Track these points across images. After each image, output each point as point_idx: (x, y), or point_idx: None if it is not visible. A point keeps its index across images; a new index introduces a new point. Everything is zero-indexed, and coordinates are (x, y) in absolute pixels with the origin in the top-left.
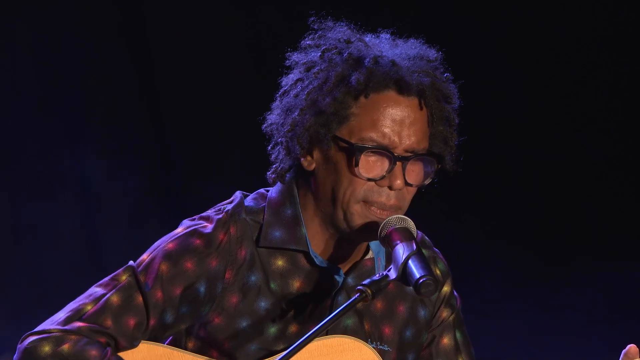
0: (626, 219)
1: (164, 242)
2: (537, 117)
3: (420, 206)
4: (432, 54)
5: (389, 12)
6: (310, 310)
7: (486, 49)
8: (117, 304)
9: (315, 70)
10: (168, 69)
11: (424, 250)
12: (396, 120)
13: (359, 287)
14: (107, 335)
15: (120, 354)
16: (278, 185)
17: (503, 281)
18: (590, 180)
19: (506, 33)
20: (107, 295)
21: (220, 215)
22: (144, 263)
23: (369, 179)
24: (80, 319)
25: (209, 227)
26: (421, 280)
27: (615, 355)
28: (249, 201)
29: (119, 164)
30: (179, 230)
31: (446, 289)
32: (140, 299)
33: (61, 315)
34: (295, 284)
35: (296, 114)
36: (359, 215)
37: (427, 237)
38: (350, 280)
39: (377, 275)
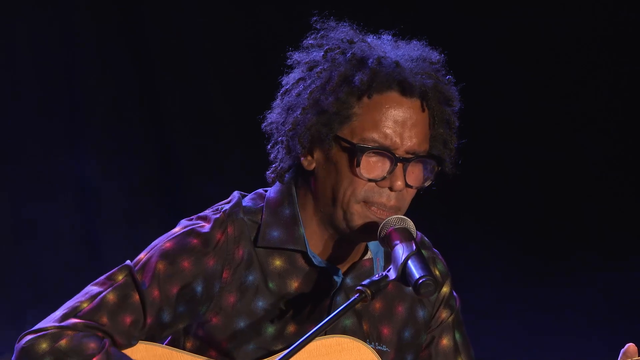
0: (626, 219)
1: (161, 242)
2: (537, 117)
3: (420, 206)
4: (435, 56)
5: (389, 12)
6: (308, 310)
7: (486, 49)
8: (113, 302)
9: (318, 69)
10: (168, 69)
11: (423, 251)
12: (398, 122)
13: (358, 288)
14: (103, 332)
15: None
16: (277, 185)
17: (503, 281)
18: (590, 180)
19: (506, 33)
20: (104, 294)
21: (218, 215)
22: (140, 262)
23: (370, 180)
24: (76, 316)
25: (206, 226)
26: (421, 281)
27: (615, 355)
28: (247, 201)
29: (119, 163)
30: (177, 229)
31: (445, 289)
32: (136, 297)
33: (57, 313)
34: (294, 284)
35: (298, 113)
36: (358, 215)
37: (426, 238)
38: (348, 280)
39: (377, 275)
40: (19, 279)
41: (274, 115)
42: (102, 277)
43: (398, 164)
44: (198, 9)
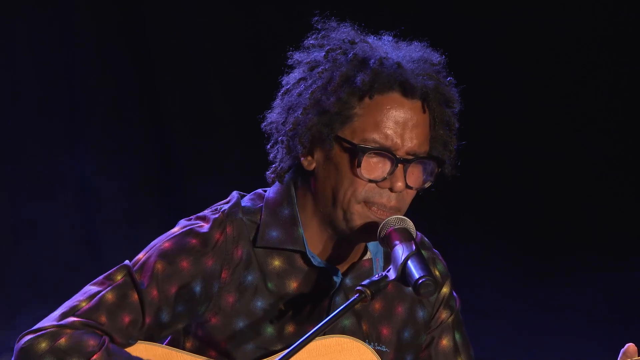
0: (626, 219)
1: (160, 242)
2: (537, 117)
3: (420, 207)
4: (436, 57)
5: (389, 12)
6: (307, 310)
7: (486, 49)
8: (112, 301)
9: (319, 69)
10: (168, 69)
11: (423, 251)
12: (399, 123)
13: (358, 288)
14: (102, 331)
15: None
16: (276, 185)
17: (503, 281)
18: (590, 180)
19: (506, 33)
20: (102, 293)
21: (217, 215)
22: (139, 262)
23: (370, 180)
24: (74, 315)
25: (205, 226)
26: (420, 281)
27: (615, 355)
28: (246, 201)
29: (119, 163)
30: (175, 229)
31: (445, 290)
32: (135, 296)
33: (56, 313)
34: (292, 284)
35: (299, 112)
36: (359, 216)
37: (426, 238)
38: (348, 280)
39: (376, 275)
40: (19, 279)
41: (274, 115)
42: (100, 277)
43: (399, 165)
44: (198, 9)
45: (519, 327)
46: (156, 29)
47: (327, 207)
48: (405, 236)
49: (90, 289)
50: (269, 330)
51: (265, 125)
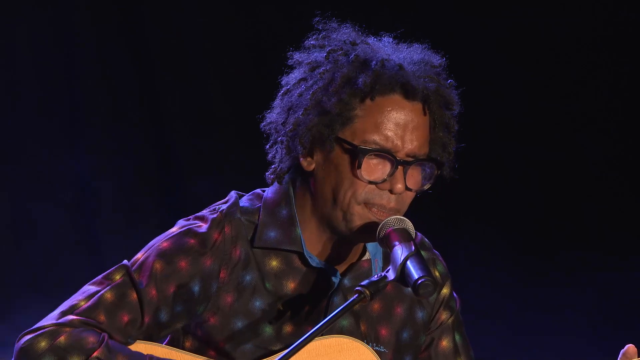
0: (626, 219)
1: (159, 241)
2: (537, 117)
3: (420, 207)
4: (436, 59)
5: (389, 12)
6: (306, 311)
7: (486, 49)
8: (111, 300)
9: (320, 70)
10: (168, 69)
11: (423, 252)
12: (400, 124)
13: (357, 288)
14: (101, 329)
15: None
16: (275, 186)
17: (503, 281)
18: (590, 180)
19: (506, 33)
20: (101, 292)
21: (215, 215)
22: (138, 262)
23: (370, 182)
24: (73, 314)
25: (203, 226)
26: (420, 281)
27: (615, 356)
28: (244, 201)
29: (119, 163)
30: (174, 229)
31: (445, 291)
32: (134, 296)
33: (55, 312)
34: (290, 285)
35: (299, 113)
36: (358, 217)
37: (426, 239)
38: (346, 281)
39: (376, 276)
40: (19, 279)
41: (273, 115)
42: (99, 277)
43: (399, 166)
44: (198, 9)
45: (519, 327)
46: (156, 29)
47: (326, 208)
48: (405, 236)
49: (89, 288)
50: (268, 330)
51: (264, 125)
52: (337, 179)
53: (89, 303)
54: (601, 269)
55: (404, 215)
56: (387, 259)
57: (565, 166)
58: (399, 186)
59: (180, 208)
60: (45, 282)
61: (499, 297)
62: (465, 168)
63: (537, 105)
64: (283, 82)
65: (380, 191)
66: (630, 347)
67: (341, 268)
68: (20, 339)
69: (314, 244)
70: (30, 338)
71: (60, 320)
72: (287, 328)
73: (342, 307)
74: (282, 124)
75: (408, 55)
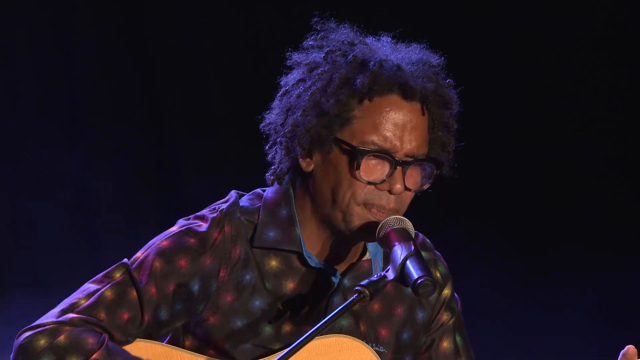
0: (626, 219)
1: (159, 240)
2: (537, 117)
3: (420, 207)
4: (435, 59)
5: (389, 12)
6: (305, 310)
7: (486, 49)
8: (111, 298)
9: (318, 71)
10: (168, 69)
11: (424, 253)
12: (398, 125)
13: (356, 288)
14: (101, 327)
15: None
16: (275, 186)
17: (503, 281)
18: (590, 180)
19: (506, 33)
20: (101, 290)
21: (215, 214)
22: (138, 260)
23: (369, 183)
24: (73, 312)
25: (203, 226)
26: (419, 281)
27: (615, 356)
28: (244, 201)
29: (119, 164)
30: (174, 228)
31: (447, 292)
32: (134, 294)
33: (55, 310)
34: (289, 285)
35: (298, 114)
36: (358, 217)
37: (428, 240)
38: (346, 281)
39: (375, 275)
40: (19, 279)
41: (272, 116)
42: (99, 275)
43: (397, 167)
44: (198, 9)
45: (519, 327)
46: (156, 29)
47: (325, 208)
48: (404, 236)
49: (90, 286)
50: (267, 329)
51: (264, 126)
52: (336, 180)
53: (90, 301)
54: (601, 269)
55: (404, 214)
56: (388, 259)
57: (565, 166)
58: (398, 186)
59: (180, 208)
60: (45, 282)
61: (499, 297)
62: (465, 168)
63: (537, 105)
64: (282, 83)
65: (380, 192)
66: (630, 348)
67: (341, 268)
68: (19, 335)
69: (313, 244)
70: (30, 335)
71: (60, 319)
72: (287, 328)
73: (341, 306)
74: (281, 125)
75: (406, 56)
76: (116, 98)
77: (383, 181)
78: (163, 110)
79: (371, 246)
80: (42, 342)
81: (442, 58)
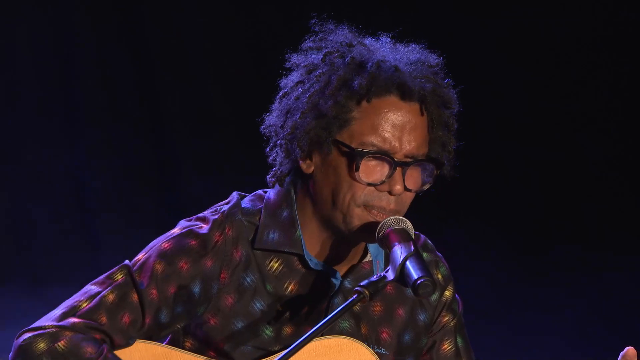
0: (626, 219)
1: (160, 242)
2: (537, 117)
3: (420, 207)
4: (433, 59)
5: (389, 12)
6: (306, 312)
7: (486, 49)
8: (112, 301)
9: (316, 73)
10: (168, 69)
11: (426, 254)
12: (397, 126)
13: (356, 289)
14: (102, 332)
15: (118, 353)
16: (276, 187)
17: (503, 281)
18: (590, 180)
19: (506, 33)
20: (103, 293)
21: (216, 216)
22: (139, 262)
23: (369, 184)
24: (75, 315)
25: (204, 227)
26: (419, 281)
27: (615, 356)
28: (245, 202)
29: (119, 164)
30: (175, 230)
31: (448, 293)
32: (135, 296)
33: (57, 312)
34: (290, 287)
35: (297, 116)
36: (358, 218)
37: (429, 241)
38: (347, 283)
39: (375, 276)
40: (19, 279)
41: (272, 118)
42: (101, 277)
43: (397, 168)
44: (198, 9)
45: (519, 327)
46: (156, 29)
47: (326, 210)
48: (404, 237)
49: (91, 288)
50: (267, 331)
51: (264, 129)
52: (336, 182)
53: (91, 304)
54: (601, 269)
55: (404, 215)
56: (389, 260)
57: (565, 166)
58: (398, 187)
59: (180, 208)
60: (45, 282)
61: (499, 297)
62: (465, 168)
63: (537, 105)
64: (281, 85)
65: (380, 193)
66: (629, 350)
67: (342, 270)
68: (19, 335)
69: (314, 246)
70: (30, 337)
71: (61, 323)
72: (287, 329)
73: (341, 307)
74: (280, 127)
75: (405, 56)
76: (116, 98)
77: (383, 182)
78: (163, 110)
79: (372, 247)
80: (42, 345)
81: (441, 58)
